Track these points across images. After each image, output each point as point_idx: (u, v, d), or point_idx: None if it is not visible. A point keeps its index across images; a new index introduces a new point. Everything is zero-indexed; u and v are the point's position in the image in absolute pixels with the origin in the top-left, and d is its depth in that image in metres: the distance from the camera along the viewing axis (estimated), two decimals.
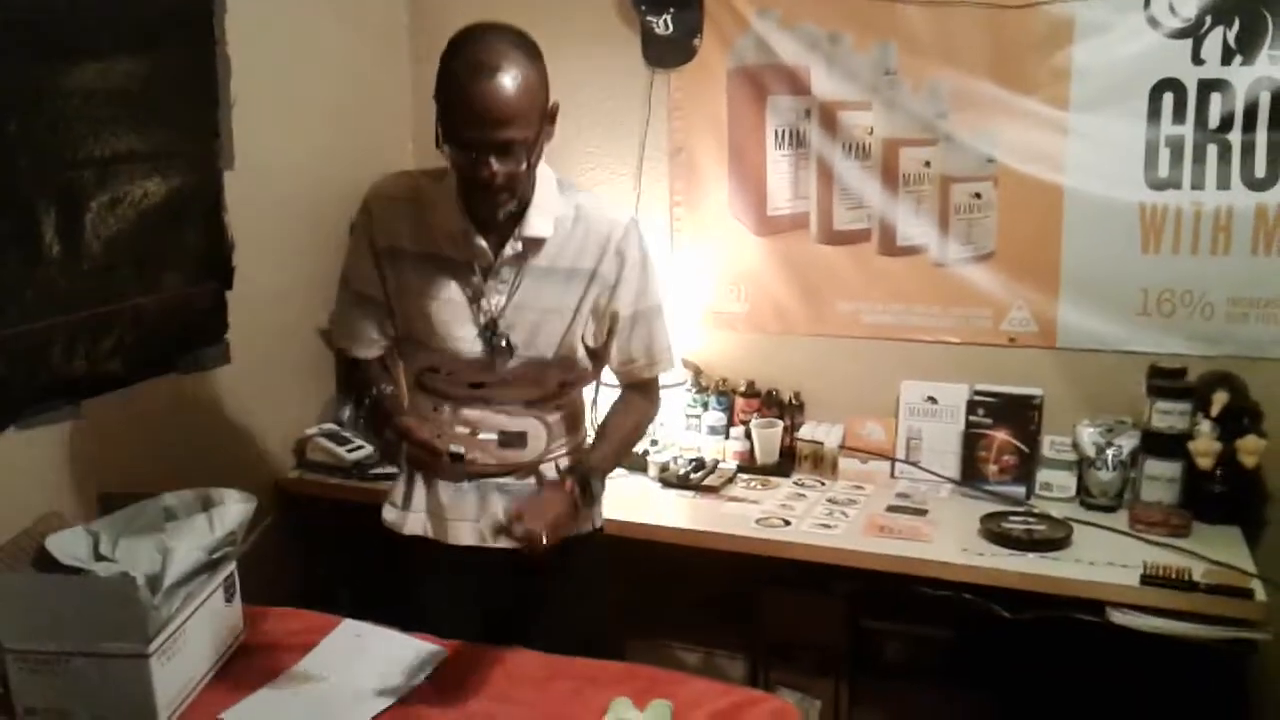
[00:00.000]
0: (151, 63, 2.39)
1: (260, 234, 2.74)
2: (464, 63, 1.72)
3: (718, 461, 2.94)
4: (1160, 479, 2.57)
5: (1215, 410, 2.55)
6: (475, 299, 1.92)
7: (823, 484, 2.86)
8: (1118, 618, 2.22)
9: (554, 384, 2.01)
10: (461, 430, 1.93)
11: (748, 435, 2.97)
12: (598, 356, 2.03)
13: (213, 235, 2.60)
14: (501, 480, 2.02)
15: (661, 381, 2.13)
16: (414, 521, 2.04)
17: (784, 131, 2.97)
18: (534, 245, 1.90)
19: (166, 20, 2.43)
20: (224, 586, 1.82)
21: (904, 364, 2.91)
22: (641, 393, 2.10)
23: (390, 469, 2.83)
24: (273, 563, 2.44)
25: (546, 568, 1.94)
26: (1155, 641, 2.19)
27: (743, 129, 3.00)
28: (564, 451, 2.07)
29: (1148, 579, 2.22)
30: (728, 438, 3.00)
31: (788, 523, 2.59)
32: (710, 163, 3.05)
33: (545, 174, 1.91)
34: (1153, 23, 2.59)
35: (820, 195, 2.95)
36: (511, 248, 1.89)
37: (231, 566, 1.84)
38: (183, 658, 1.67)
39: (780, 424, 2.96)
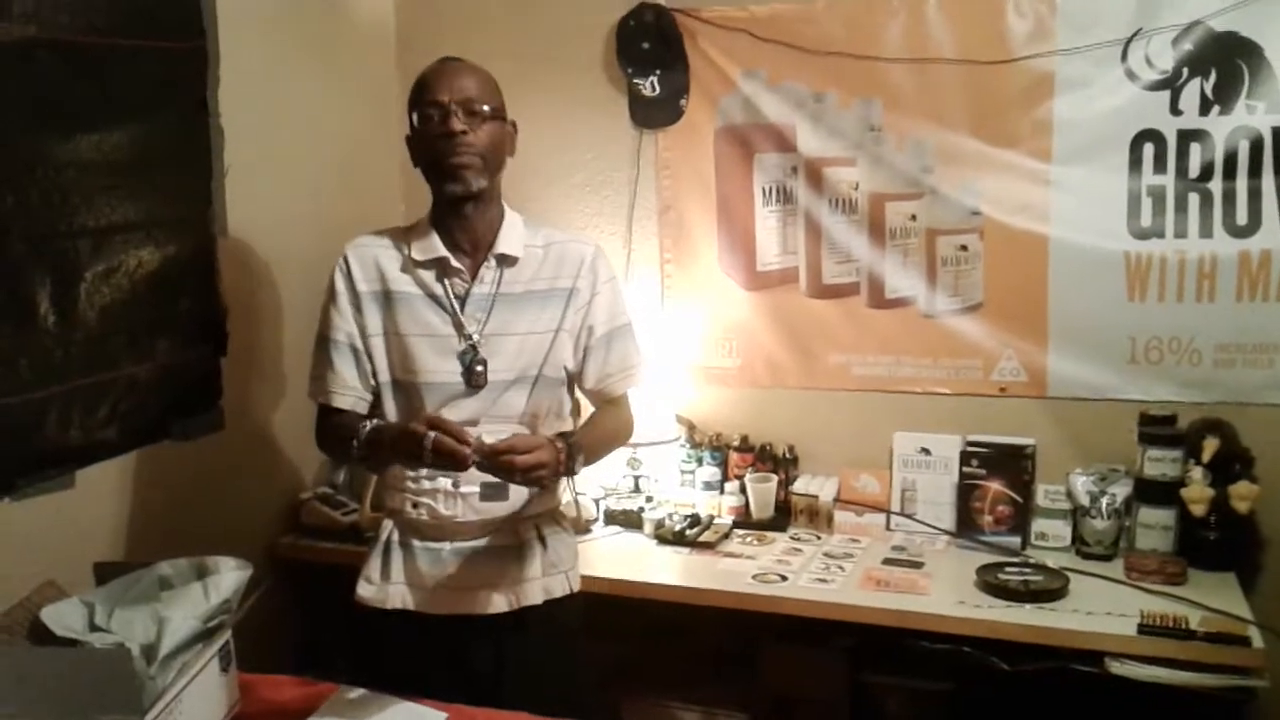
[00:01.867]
0: (145, 133, 2.42)
1: (253, 299, 2.76)
2: (431, 64, 2.04)
3: (713, 517, 2.94)
4: (1155, 527, 2.58)
5: (1207, 457, 2.56)
6: (456, 329, 2.01)
7: (819, 538, 2.86)
8: (1116, 668, 2.22)
9: (535, 428, 2.04)
10: (444, 483, 1.99)
11: (742, 490, 2.97)
12: (574, 382, 2.13)
13: (206, 302, 2.62)
14: (481, 543, 2.03)
15: (631, 399, 2.23)
16: (394, 595, 2.05)
17: (771, 188, 3.00)
18: (509, 264, 2.03)
19: (160, 91, 2.46)
20: (219, 655, 1.80)
21: (896, 416, 2.92)
22: (617, 406, 2.19)
23: None
24: (268, 629, 2.43)
25: (527, 631, 2.01)
26: (1154, 691, 2.19)
27: (731, 186, 3.04)
28: (542, 509, 2.10)
29: (1145, 628, 2.22)
30: (722, 493, 3.00)
31: (784, 578, 2.58)
32: (699, 220, 3.08)
33: (510, 213, 2.08)
34: (1131, 75, 2.63)
35: (808, 250, 2.98)
36: (487, 267, 2.01)
37: (227, 635, 1.83)
38: None
39: (775, 478, 2.96)
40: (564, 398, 2.13)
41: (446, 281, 2.03)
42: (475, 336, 2.00)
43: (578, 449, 1.94)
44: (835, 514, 2.89)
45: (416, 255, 2.03)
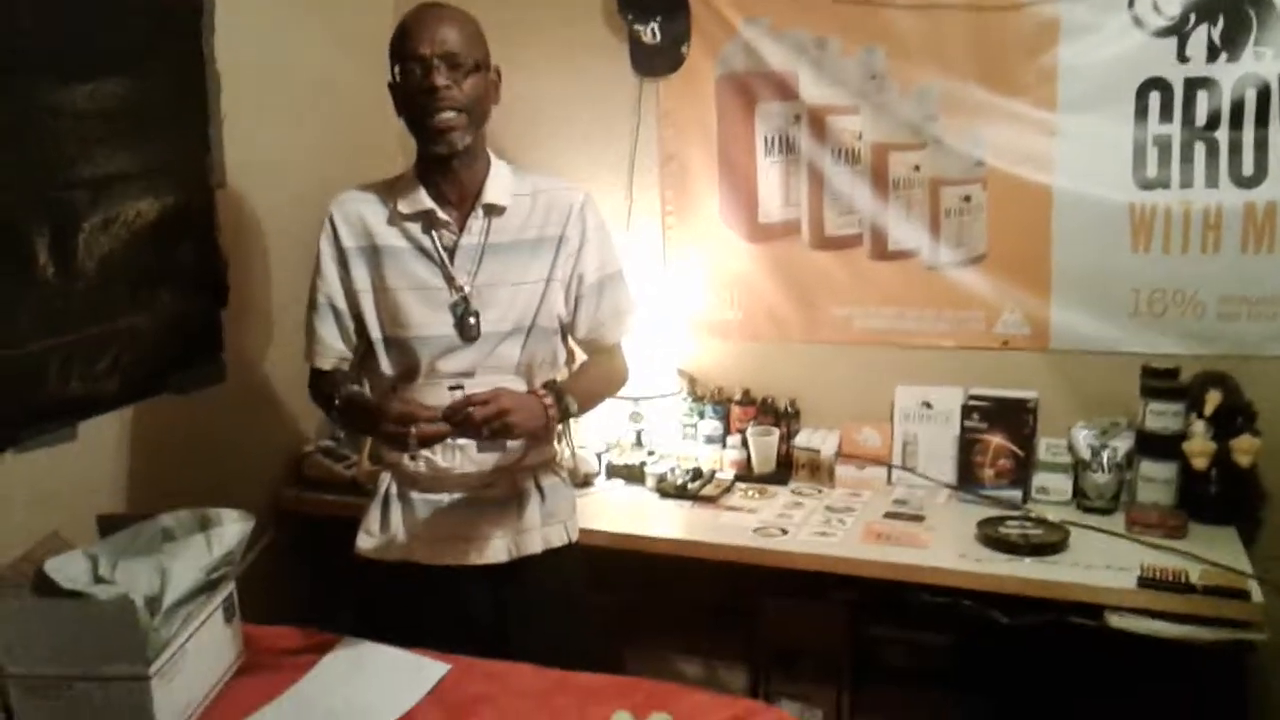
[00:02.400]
0: (141, 82, 2.39)
1: (253, 251, 2.75)
2: (412, 9, 1.99)
3: (715, 471, 2.95)
4: (1156, 480, 2.58)
5: (1209, 410, 2.55)
6: (447, 281, 2.00)
7: (820, 491, 2.86)
8: (1115, 621, 2.22)
9: (532, 378, 2.05)
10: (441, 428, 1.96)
11: (744, 444, 2.98)
12: (566, 331, 2.12)
13: (206, 253, 2.60)
14: (479, 494, 2.05)
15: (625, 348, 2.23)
16: (395, 547, 2.06)
17: (774, 138, 2.98)
18: (496, 213, 2.01)
19: (155, 40, 2.44)
20: (223, 607, 1.81)
21: (898, 369, 2.92)
22: (610, 355, 2.19)
23: None
24: (272, 581, 2.44)
25: (526, 581, 2.04)
26: (1154, 644, 2.20)
27: (732, 136, 3.01)
28: (539, 460, 2.11)
29: (1145, 581, 2.23)
30: (724, 447, 3.00)
31: (786, 531, 2.59)
32: (701, 170, 3.06)
33: (498, 162, 2.06)
34: (1137, 22, 2.60)
35: (811, 201, 2.96)
36: (475, 217, 2.00)
37: (231, 586, 1.84)
38: (183, 679, 1.67)
39: (776, 432, 2.97)
40: (558, 347, 2.12)
41: (434, 234, 2.02)
42: (466, 288, 2.00)
43: (566, 393, 1.97)
44: (837, 468, 2.90)
45: (403, 209, 2.02)
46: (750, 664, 2.88)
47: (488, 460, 2.03)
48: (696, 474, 2.90)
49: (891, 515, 2.66)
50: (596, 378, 2.16)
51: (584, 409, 2.05)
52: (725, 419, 3.03)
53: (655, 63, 3.05)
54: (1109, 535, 2.49)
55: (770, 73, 2.93)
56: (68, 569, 1.71)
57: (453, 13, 1.98)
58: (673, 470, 2.92)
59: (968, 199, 2.82)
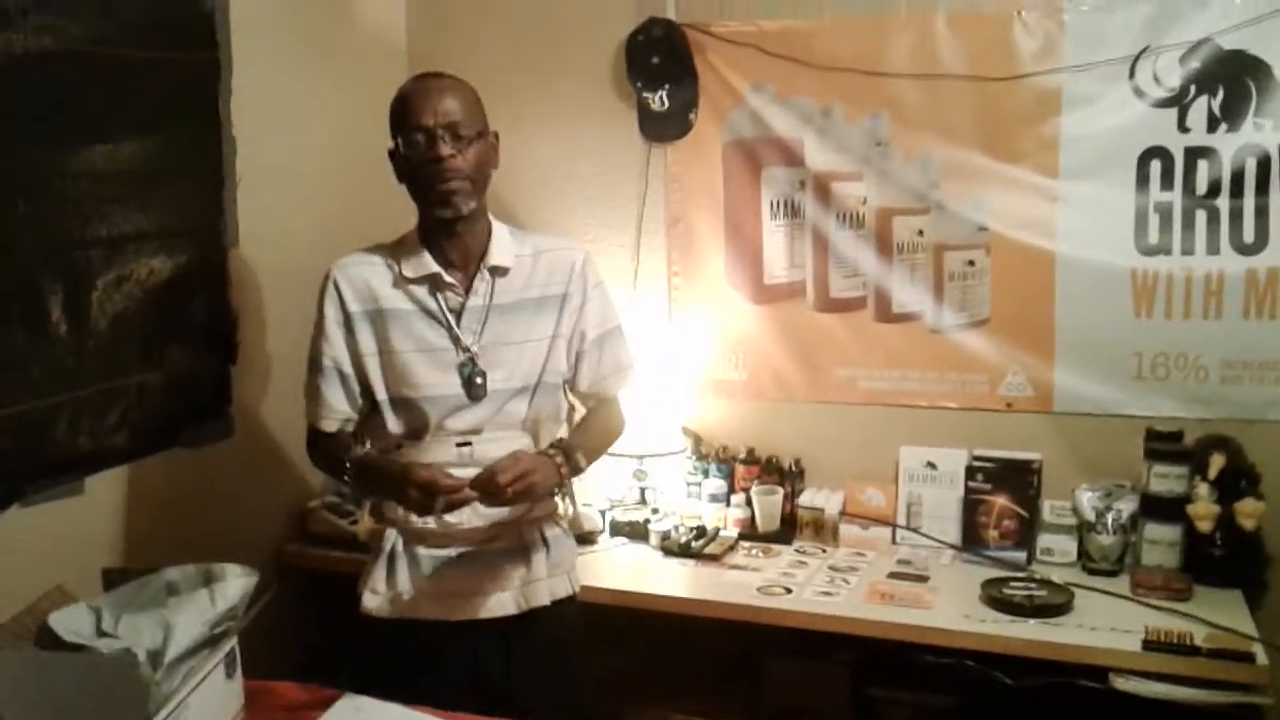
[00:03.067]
0: (157, 144, 2.44)
1: (264, 308, 2.78)
2: (410, 80, 2.04)
3: (719, 529, 2.95)
4: (1160, 543, 2.58)
5: (1213, 473, 2.56)
6: (453, 342, 2.02)
7: (824, 551, 2.86)
8: (1120, 684, 2.21)
9: (537, 434, 2.08)
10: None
11: (748, 502, 2.98)
12: (567, 386, 2.15)
13: (217, 311, 2.64)
14: (486, 547, 2.06)
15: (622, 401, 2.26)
16: (401, 604, 2.07)
17: (779, 202, 3.01)
18: (500, 274, 2.04)
19: (172, 102, 2.49)
20: (225, 662, 1.81)
21: (902, 430, 2.93)
22: (609, 407, 2.21)
23: None
24: (275, 636, 2.44)
25: (533, 633, 2.05)
26: (1159, 707, 2.18)
27: (739, 200, 3.05)
28: (544, 512, 2.13)
29: (1149, 644, 2.22)
30: (729, 505, 3.00)
31: (789, 590, 2.58)
32: (707, 233, 3.09)
33: (498, 224, 2.09)
34: (1138, 93, 2.64)
35: (816, 264, 2.99)
36: (480, 279, 2.03)
37: (233, 642, 1.84)
38: None
39: (781, 491, 2.97)
40: (561, 402, 2.15)
41: (440, 296, 2.04)
42: (473, 348, 2.02)
43: (574, 450, 2.00)
44: (841, 527, 2.89)
45: (408, 273, 2.04)
46: None
47: (494, 514, 2.04)
48: (700, 532, 2.90)
49: (895, 575, 2.66)
50: (599, 431, 2.18)
51: (589, 463, 2.07)
52: (729, 478, 3.03)
53: (663, 128, 3.10)
54: (1114, 597, 2.48)
55: (776, 139, 2.97)
56: (71, 622, 1.72)
57: (452, 83, 2.01)
58: (677, 528, 2.92)
59: (971, 263, 2.85)
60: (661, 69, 3.04)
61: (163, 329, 2.47)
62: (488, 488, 1.86)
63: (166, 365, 2.49)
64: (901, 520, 2.89)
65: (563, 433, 2.15)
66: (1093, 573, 2.62)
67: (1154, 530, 2.58)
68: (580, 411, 2.25)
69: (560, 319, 2.08)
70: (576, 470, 2.02)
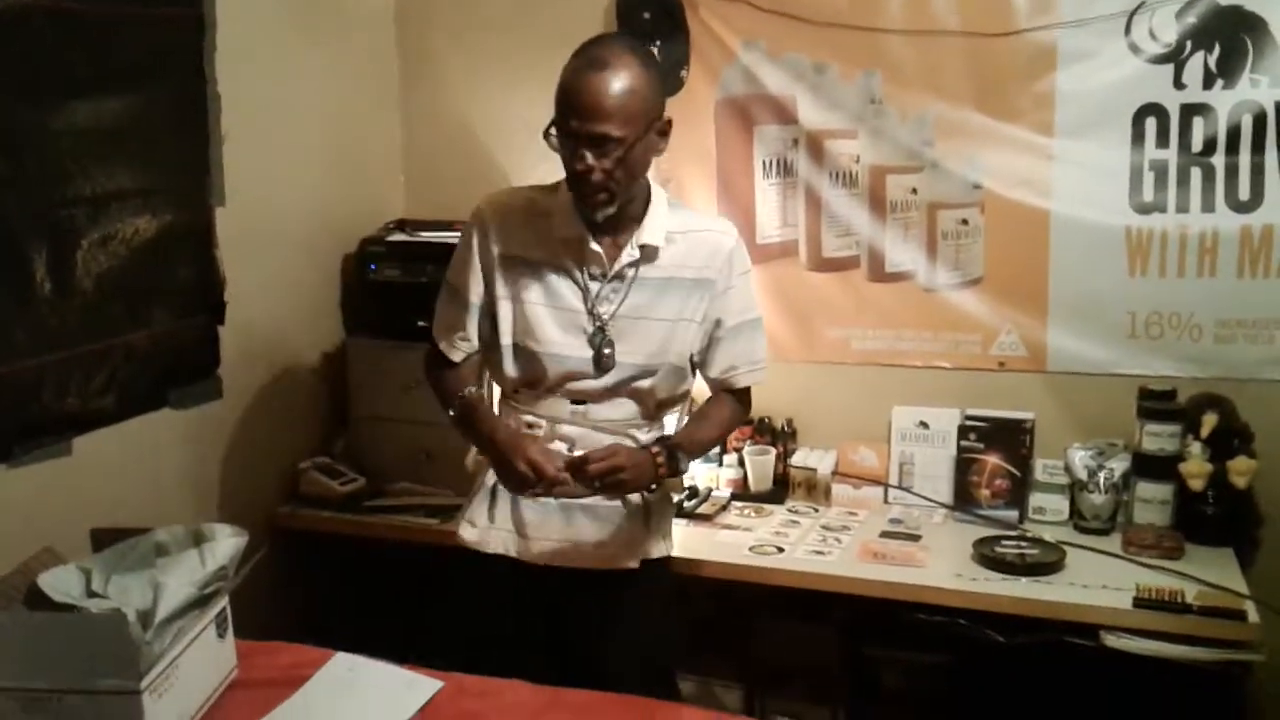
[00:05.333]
0: (142, 101, 2.41)
1: (252, 268, 2.75)
2: (581, 56, 1.89)
3: (711, 489, 2.94)
4: (1152, 501, 2.58)
5: (1205, 432, 2.55)
6: (588, 309, 1.99)
7: (816, 510, 2.86)
8: (1111, 641, 2.22)
9: (653, 404, 2.08)
10: (559, 445, 2.01)
11: (741, 463, 2.97)
12: (696, 368, 2.13)
13: (204, 270, 2.61)
14: (587, 501, 2.05)
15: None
16: (496, 539, 2.08)
17: (772, 161, 2.99)
18: (649, 253, 1.99)
19: (156, 59, 2.45)
20: (216, 622, 1.81)
21: (895, 389, 2.92)
22: (736, 397, 2.18)
23: (383, 501, 2.85)
24: (265, 597, 2.44)
25: (624, 590, 2.08)
26: (1149, 664, 2.20)
27: (731, 158, 3.02)
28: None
29: (1140, 602, 2.23)
30: (721, 465, 3.00)
31: (781, 550, 2.58)
32: (699, 191, 3.06)
33: (657, 195, 2.02)
34: (1134, 49, 2.62)
35: (809, 223, 2.97)
36: (628, 255, 1.97)
37: (224, 602, 1.84)
38: (175, 694, 1.66)
39: (773, 451, 2.96)
40: (684, 382, 2.13)
41: (584, 259, 2.00)
42: (606, 317, 1.99)
43: (679, 448, 2.00)
44: (833, 487, 2.90)
45: (557, 229, 1.99)
46: (744, 683, 2.87)
47: None
48: (693, 492, 2.89)
49: (888, 535, 2.66)
50: (715, 424, 2.16)
51: (695, 458, 2.08)
52: None
53: None
54: (1105, 555, 2.49)
55: (769, 96, 2.94)
56: (61, 583, 1.71)
57: (612, 83, 1.84)
58: None
59: (965, 222, 2.83)
60: (652, 25, 3.00)
61: (149, 289, 2.45)
62: (578, 473, 1.87)
63: (154, 326, 2.47)
64: (894, 480, 2.89)
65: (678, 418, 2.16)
66: (1084, 531, 2.63)
67: (1146, 489, 2.59)
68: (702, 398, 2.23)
69: (701, 303, 2.04)
70: (676, 472, 2.01)
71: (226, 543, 1.81)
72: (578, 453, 1.98)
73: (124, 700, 1.57)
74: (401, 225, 3.13)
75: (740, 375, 2.14)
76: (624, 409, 2.04)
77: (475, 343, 2.10)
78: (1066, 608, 2.27)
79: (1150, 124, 2.63)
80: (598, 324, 1.99)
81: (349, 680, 1.85)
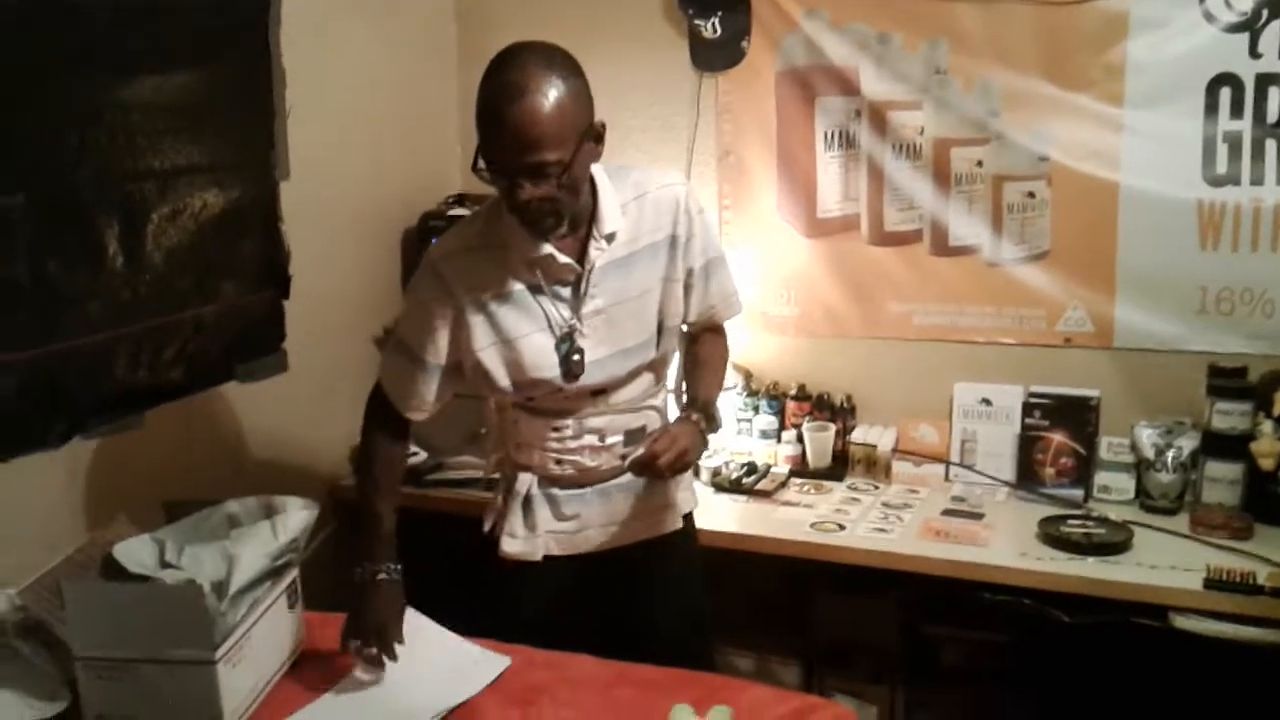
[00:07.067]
0: (208, 76, 2.42)
1: (315, 243, 2.77)
2: (496, 85, 1.72)
3: (770, 466, 2.94)
4: (1221, 481, 2.54)
5: (1278, 410, 2.50)
6: (574, 313, 1.92)
7: (876, 488, 2.84)
8: (1181, 622, 2.19)
9: (664, 369, 2.09)
10: (590, 439, 2.00)
11: (800, 439, 2.96)
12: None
13: (269, 245, 2.63)
14: (623, 480, 2.04)
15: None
16: (542, 545, 2.06)
17: (833, 133, 2.96)
18: (613, 237, 1.92)
19: (221, 34, 2.46)
20: (287, 593, 1.83)
21: (957, 366, 2.89)
22: (717, 334, 2.17)
23: (441, 475, 2.86)
24: (333, 569, 2.47)
25: (667, 554, 2.10)
26: (1219, 646, 2.16)
27: (792, 131, 2.99)
28: None
29: (1211, 583, 2.19)
30: (779, 441, 2.99)
31: (842, 527, 2.58)
32: (759, 165, 3.04)
33: (600, 177, 1.91)
34: (1209, 17, 2.55)
35: (870, 196, 2.94)
36: (596, 250, 1.90)
37: (294, 573, 1.86)
38: (248, 664, 1.69)
39: (832, 427, 2.95)
40: (679, 336, 2.12)
41: (556, 274, 1.91)
42: (597, 303, 1.92)
43: (709, 405, 2.00)
44: (893, 464, 2.88)
45: (518, 256, 1.89)
46: (804, 659, 2.87)
47: (632, 451, 1.98)
48: (751, 469, 2.89)
49: (950, 512, 2.64)
50: (714, 368, 2.13)
51: (717, 397, 2.08)
52: (780, 414, 3.02)
53: (715, 58, 3.04)
54: (1173, 535, 2.45)
55: (831, 67, 2.91)
56: (136, 553, 1.74)
57: (536, 109, 1.69)
58: (728, 464, 2.92)
59: (1031, 195, 2.79)
60: None
61: (217, 263, 2.47)
62: (647, 471, 1.87)
63: (221, 299, 2.49)
64: (955, 457, 2.87)
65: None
66: (1151, 511, 2.59)
67: (1215, 468, 2.54)
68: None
69: (673, 260, 1.98)
70: (716, 428, 2.00)
71: (298, 515, 1.84)
72: (609, 441, 1.99)
73: (199, 670, 1.60)
74: (460, 199, 3.13)
75: (718, 313, 2.12)
76: (641, 384, 2.02)
77: (435, 403, 2.00)
78: (1135, 588, 2.24)
79: (1224, 94, 2.57)
80: (564, 331, 1.91)
81: (417, 654, 1.86)
